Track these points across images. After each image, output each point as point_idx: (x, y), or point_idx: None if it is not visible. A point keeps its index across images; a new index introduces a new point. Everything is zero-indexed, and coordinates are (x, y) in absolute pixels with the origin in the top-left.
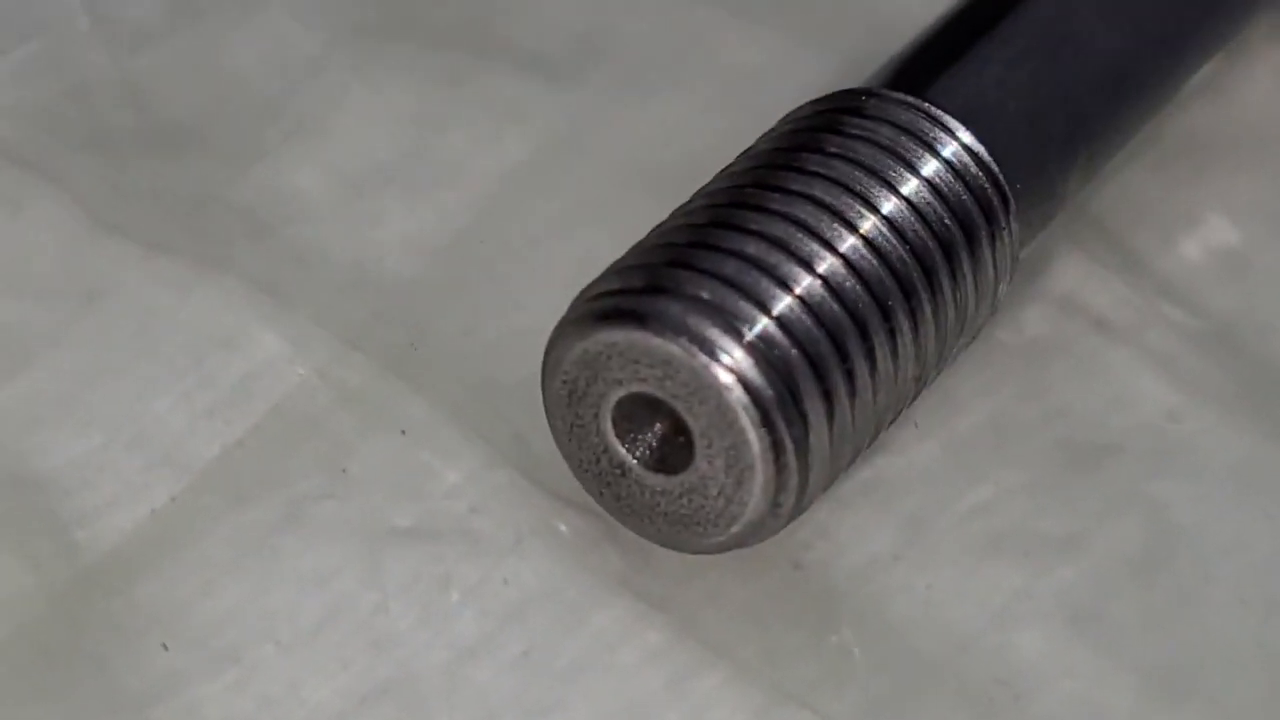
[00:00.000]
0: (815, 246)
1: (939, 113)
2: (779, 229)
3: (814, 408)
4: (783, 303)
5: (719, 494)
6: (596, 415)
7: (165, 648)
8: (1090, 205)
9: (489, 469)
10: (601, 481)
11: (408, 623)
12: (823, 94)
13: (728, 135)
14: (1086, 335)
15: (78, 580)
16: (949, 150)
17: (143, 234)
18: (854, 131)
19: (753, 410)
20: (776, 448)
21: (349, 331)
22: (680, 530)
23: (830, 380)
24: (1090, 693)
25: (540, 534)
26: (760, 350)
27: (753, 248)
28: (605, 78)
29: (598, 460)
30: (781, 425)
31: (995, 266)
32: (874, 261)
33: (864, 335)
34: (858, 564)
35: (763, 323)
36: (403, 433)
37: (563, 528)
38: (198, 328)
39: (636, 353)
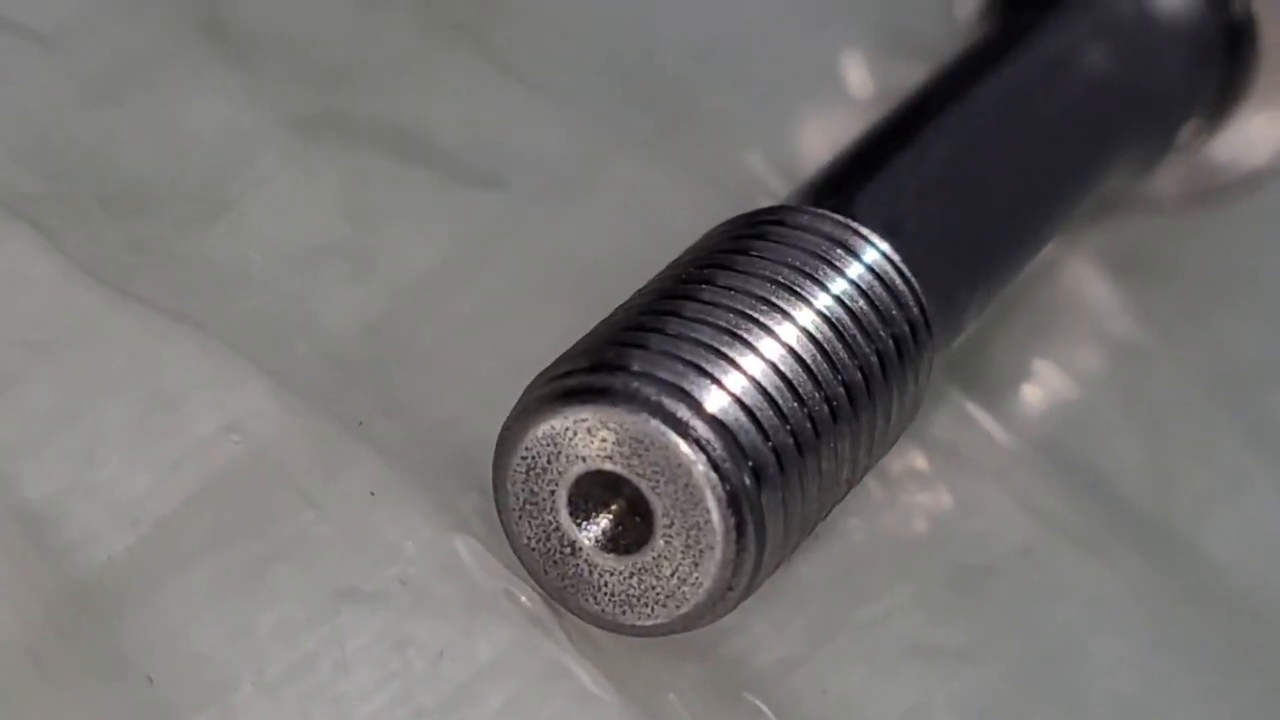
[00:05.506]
0: (766, 338)
1: (861, 227)
2: (727, 319)
3: (771, 495)
4: (748, 389)
5: (673, 574)
6: (553, 493)
7: (150, 681)
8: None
9: (447, 536)
10: (548, 559)
11: (368, 684)
12: (719, 218)
13: (633, 247)
14: (959, 468)
15: (60, 607)
16: (873, 261)
17: (115, 281)
18: (784, 239)
19: (720, 490)
20: (739, 528)
21: (311, 394)
22: (625, 611)
23: (788, 470)
24: None
25: (497, 604)
26: (730, 434)
27: (707, 335)
28: (518, 189)
29: (547, 538)
30: (746, 508)
31: (916, 378)
32: (818, 356)
33: (815, 430)
34: (767, 663)
35: (732, 408)
36: (371, 494)
37: (523, 599)
38: (168, 377)
39: (607, 430)
